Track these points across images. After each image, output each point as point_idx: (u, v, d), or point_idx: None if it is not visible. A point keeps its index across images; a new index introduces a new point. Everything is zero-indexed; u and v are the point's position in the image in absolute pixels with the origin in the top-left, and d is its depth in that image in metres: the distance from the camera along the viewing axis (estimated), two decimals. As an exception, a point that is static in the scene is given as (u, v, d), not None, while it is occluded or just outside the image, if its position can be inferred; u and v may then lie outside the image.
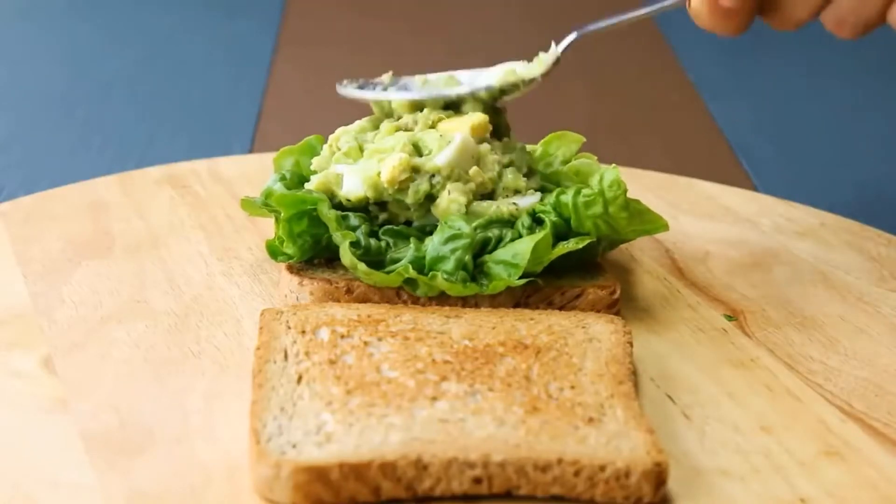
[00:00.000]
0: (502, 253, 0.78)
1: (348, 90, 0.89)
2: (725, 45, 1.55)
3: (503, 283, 0.77)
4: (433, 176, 0.80)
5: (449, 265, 0.77)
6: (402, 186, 0.80)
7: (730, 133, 1.28)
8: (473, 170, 0.81)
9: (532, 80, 0.87)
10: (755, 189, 1.12)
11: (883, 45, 1.57)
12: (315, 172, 0.84)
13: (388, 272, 0.77)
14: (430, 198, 0.81)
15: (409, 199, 0.80)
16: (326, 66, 1.44)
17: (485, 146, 0.83)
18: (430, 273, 0.77)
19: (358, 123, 0.86)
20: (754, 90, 1.44)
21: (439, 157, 0.81)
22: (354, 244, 0.78)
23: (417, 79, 0.89)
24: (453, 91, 0.87)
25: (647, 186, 1.00)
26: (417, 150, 0.82)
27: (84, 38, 1.55)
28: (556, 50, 0.87)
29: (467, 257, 0.78)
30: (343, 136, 0.85)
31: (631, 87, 1.45)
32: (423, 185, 0.80)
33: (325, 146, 0.86)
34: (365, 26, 1.60)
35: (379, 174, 0.80)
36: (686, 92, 1.42)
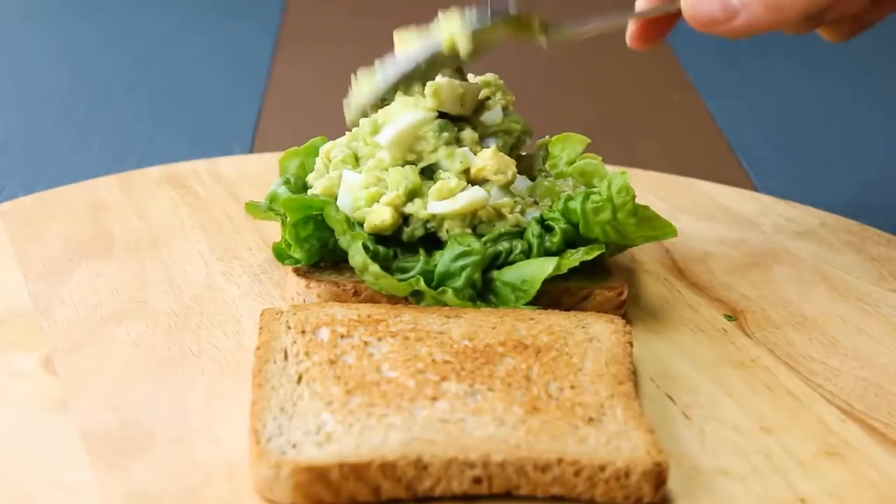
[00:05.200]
0: (511, 273, 0.78)
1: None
2: (725, 45, 1.55)
3: (510, 306, 0.77)
4: (428, 220, 0.80)
5: (458, 282, 0.77)
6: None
7: (730, 133, 1.28)
8: (482, 211, 0.80)
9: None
10: (755, 189, 1.12)
11: (883, 46, 1.57)
12: (310, 186, 0.84)
13: (399, 280, 0.77)
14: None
15: (403, 237, 0.80)
16: (326, 66, 1.44)
17: (505, 200, 0.80)
18: (440, 289, 0.77)
19: (348, 136, 0.85)
20: (754, 90, 1.44)
21: (438, 205, 0.79)
22: (364, 246, 0.78)
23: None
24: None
25: (647, 186, 1.00)
26: (416, 191, 0.80)
27: (84, 38, 1.55)
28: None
29: (476, 275, 0.78)
30: (333, 149, 0.84)
31: (631, 87, 1.45)
32: (417, 230, 0.80)
33: (318, 159, 0.85)
34: (365, 26, 1.60)
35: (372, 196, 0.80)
36: (686, 92, 1.42)
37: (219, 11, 1.65)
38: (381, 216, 0.79)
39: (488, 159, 0.81)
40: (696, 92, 1.41)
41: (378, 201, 0.80)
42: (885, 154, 1.26)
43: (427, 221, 0.80)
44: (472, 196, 0.79)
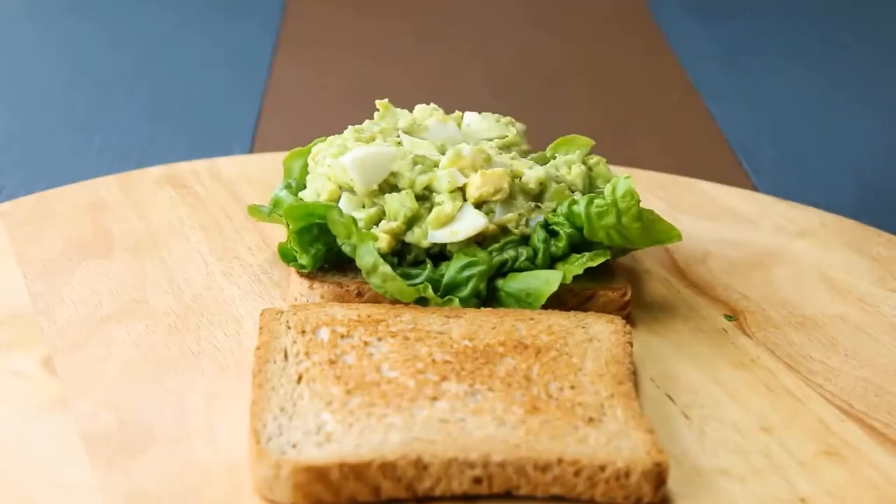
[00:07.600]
0: (516, 284, 0.78)
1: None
2: (725, 45, 1.55)
3: None
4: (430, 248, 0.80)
5: (464, 292, 0.77)
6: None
7: (730, 133, 1.28)
8: (489, 228, 0.79)
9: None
10: (755, 189, 1.12)
11: (883, 46, 1.57)
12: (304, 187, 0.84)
13: (406, 286, 0.77)
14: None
15: (405, 261, 0.80)
16: (326, 66, 1.44)
17: (509, 216, 0.79)
18: (446, 298, 0.77)
19: (333, 139, 0.84)
20: (754, 90, 1.44)
21: (440, 234, 0.79)
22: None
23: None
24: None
25: (647, 186, 1.00)
26: (415, 217, 0.79)
27: (84, 38, 1.55)
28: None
29: (482, 285, 0.78)
30: (319, 153, 0.84)
31: (631, 87, 1.45)
32: (420, 256, 0.80)
33: (309, 160, 0.85)
34: (365, 26, 1.60)
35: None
36: (686, 92, 1.42)
37: (219, 11, 1.65)
38: (378, 243, 0.78)
39: (481, 186, 0.80)
40: (696, 92, 1.41)
41: (377, 224, 0.79)
42: (885, 154, 1.26)
43: (429, 248, 0.80)
44: (472, 225, 0.79)
